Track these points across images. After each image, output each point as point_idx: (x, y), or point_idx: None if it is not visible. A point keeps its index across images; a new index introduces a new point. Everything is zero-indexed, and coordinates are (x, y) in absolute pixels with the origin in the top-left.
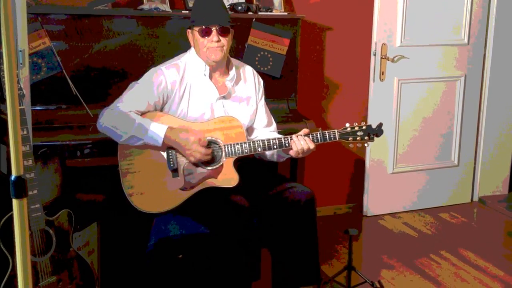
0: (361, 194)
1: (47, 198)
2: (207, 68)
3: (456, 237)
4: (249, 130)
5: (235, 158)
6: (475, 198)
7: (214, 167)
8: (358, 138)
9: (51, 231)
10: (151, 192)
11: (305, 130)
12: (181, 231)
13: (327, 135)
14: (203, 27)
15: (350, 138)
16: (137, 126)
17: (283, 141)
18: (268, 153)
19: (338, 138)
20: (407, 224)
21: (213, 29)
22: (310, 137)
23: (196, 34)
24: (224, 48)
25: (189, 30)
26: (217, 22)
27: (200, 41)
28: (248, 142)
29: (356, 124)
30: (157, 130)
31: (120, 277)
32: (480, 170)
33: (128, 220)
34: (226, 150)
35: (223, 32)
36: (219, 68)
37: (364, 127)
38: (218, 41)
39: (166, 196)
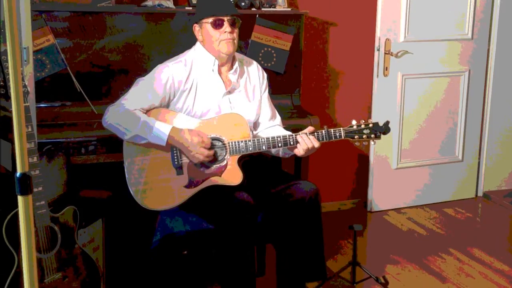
0: (366, 190)
1: (52, 195)
2: (216, 62)
3: (461, 232)
4: (254, 123)
5: (240, 156)
6: (480, 193)
7: (218, 165)
8: (364, 136)
9: (56, 228)
10: (156, 189)
11: (310, 128)
12: (186, 227)
13: (332, 134)
14: (216, 18)
15: (356, 137)
16: (141, 125)
17: (288, 139)
18: (273, 150)
19: (344, 137)
20: (411, 220)
21: (225, 19)
22: (316, 135)
23: (207, 27)
24: (235, 40)
25: (196, 25)
26: (229, 11)
27: (212, 33)
28: (253, 140)
29: (363, 121)
30: (162, 129)
31: (125, 273)
32: (484, 165)
33: (133, 216)
34: (230, 148)
35: (233, 23)
36: (227, 62)
37: (370, 125)
38: (231, 32)
39: (170, 193)
